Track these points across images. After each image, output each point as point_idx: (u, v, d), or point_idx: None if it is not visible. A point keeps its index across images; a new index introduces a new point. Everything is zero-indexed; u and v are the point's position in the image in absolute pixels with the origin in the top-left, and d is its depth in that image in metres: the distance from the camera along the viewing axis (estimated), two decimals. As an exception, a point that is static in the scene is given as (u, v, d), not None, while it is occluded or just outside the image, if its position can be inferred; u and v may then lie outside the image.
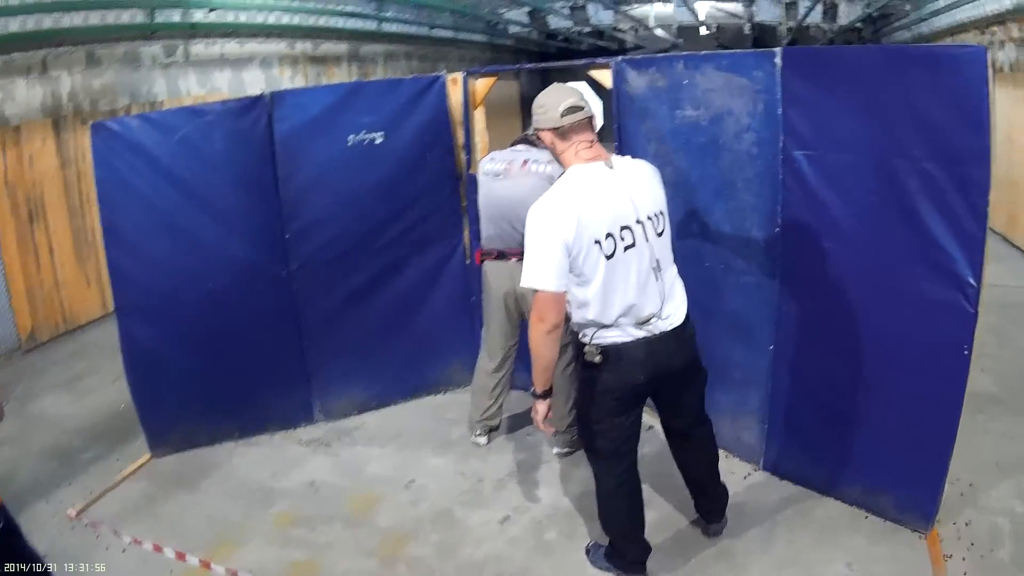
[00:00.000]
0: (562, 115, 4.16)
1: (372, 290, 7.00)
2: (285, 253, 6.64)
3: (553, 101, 4.21)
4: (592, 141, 4.23)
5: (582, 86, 6.92)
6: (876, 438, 5.14)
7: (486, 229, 6.14)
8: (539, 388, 4.32)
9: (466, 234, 7.18)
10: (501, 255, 6.05)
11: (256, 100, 6.44)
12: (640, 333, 4.22)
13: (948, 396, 4.72)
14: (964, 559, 4.87)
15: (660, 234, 4.28)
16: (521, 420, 6.91)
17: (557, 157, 4.34)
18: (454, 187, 7.09)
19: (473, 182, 6.79)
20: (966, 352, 4.58)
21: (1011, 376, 7.20)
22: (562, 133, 4.20)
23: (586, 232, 3.97)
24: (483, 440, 6.60)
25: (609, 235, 4.04)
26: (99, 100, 10.54)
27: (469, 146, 6.96)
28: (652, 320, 4.23)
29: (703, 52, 5.78)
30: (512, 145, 6.22)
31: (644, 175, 4.34)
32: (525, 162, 5.96)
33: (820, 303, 5.26)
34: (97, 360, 9.18)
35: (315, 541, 5.63)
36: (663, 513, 5.51)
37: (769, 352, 5.63)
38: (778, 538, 5.14)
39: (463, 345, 7.34)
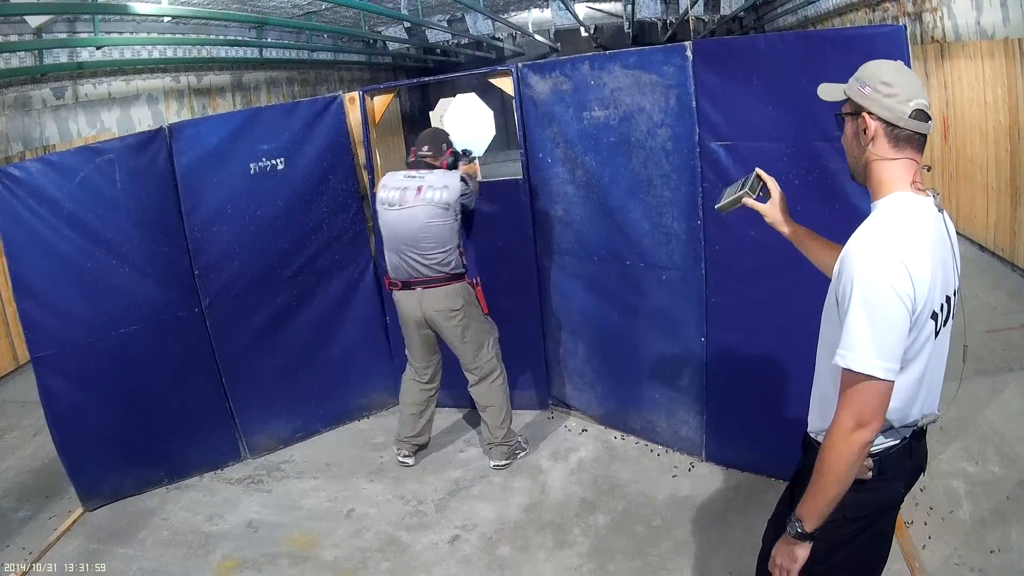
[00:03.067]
0: (912, 115, 2.73)
1: (286, 320, 6.77)
2: (195, 290, 6.37)
3: (907, 88, 2.76)
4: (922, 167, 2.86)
5: (470, 98, 6.78)
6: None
7: (388, 259, 5.96)
8: (811, 524, 2.81)
9: (374, 255, 6.97)
10: (407, 284, 5.88)
11: (155, 134, 6.17)
12: (906, 431, 2.93)
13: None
14: (926, 523, 4.87)
15: (954, 316, 2.93)
16: (450, 436, 6.77)
17: (862, 165, 2.89)
18: (358, 208, 6.88)
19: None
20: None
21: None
22: (897, 137, 2.77)
23: (931, 297, 2.69)
24: (410, 460, 6.39)
25: (943, 305, 2.79)
26: (-7, 148, 10.15)
27: (371, 165, 6.76)
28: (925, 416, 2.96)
29: (608, 52, 5.70)
30: (408, 167, 6.00)
31: (954, 231, 2.95)
32: (420, 189, 5.74)
33: (750, 291, 5.20)
34: (15, 416, 8.73)
35: (261, 584, 5.39)
36: (614, 516, 5.38)
37: (701, 344, 5.55)
38: (734, 526, 5.05)
39: (381, 368, 7.17)
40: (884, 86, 2.75)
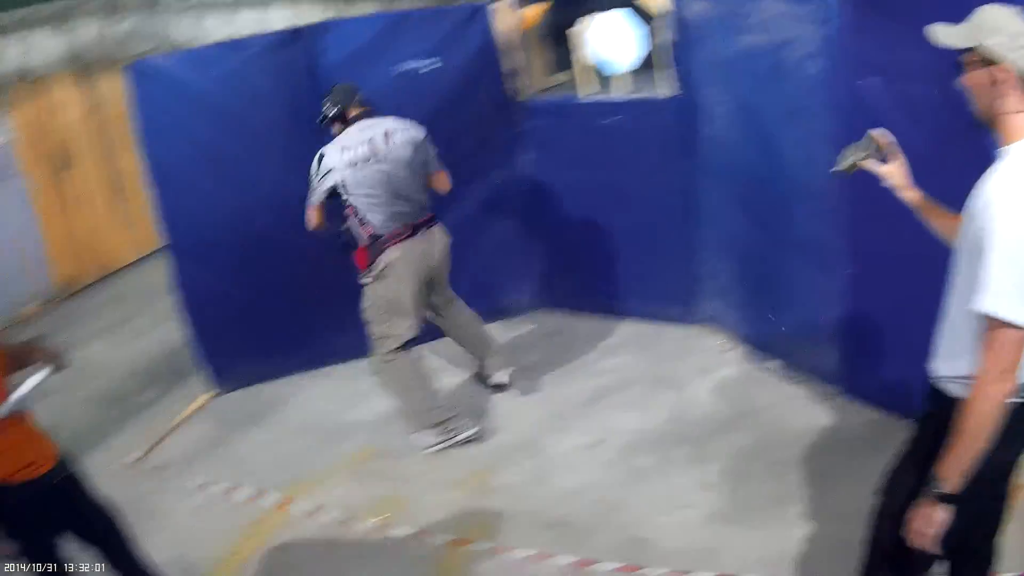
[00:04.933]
0: None
1: None
2: (337, 186, 6.41)
3: None
4: None
5: (616, 15, 6.69)
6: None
7: (377, 216, 5.52)
8: (953, 484, 2.70)
9: (525, 160, 6.93)
10: (416, 228, 5.63)
11: (299, 32, 6.29)
12: None
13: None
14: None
15: None
16: (594, 343, 6.72)
17: (991, 116, 2.76)
18: (510, 113, 6.83)
19: (525, 110, 6.71)
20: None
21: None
22: None
23: None
24: (474, 428, 5.79)
25: None
26: (122, 47, 10.25)
27: (523, 71, 6.74)
28: None
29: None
30: (353, 123, 5.61)
31: None
32: (386, 134, 5.52)
33: (898, 227, 5.10)
34: (140, 303, 8.98)
35: (398, 474, 5.49)
36: (750, 439, 5.35)
37: (844, 277, 5.46)
38: (864, 463, 4.82)
39: (525, 272, 7.22)
40: (1019, 36, 2.63)
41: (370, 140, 5.49)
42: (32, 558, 3.78)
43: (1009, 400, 2.64)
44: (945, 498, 2.70)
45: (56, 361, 3.81)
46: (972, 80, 2.76)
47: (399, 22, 6.57)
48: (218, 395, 6.68)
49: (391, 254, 5.55)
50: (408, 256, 5.59)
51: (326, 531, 5.06)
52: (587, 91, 6.67)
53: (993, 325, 2.53)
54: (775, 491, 4.85)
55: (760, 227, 5.97)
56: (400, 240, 5.57)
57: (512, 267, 7.17)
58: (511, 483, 5.21)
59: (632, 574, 4.29)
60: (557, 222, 6.98)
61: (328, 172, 5.47)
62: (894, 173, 3.28)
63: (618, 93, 6.56)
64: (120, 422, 6.68)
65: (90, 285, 10.00)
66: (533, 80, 6.83)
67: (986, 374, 2.56)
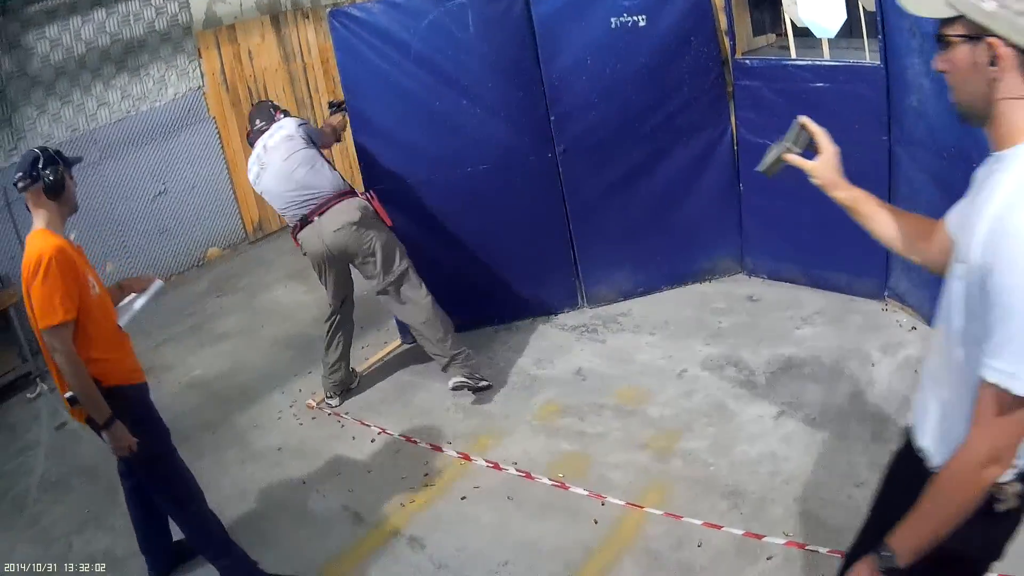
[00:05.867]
0: None
1: (637, 176, 6.85)
2: (550, 137, 6.57)
3: None
4: None
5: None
6: None
7: (285, 213, 6.13)
8: (905, 559, 2.27)
9: (733, 121, 6.89)
10: (305, 221, 5.98)
11: (509, -18, 6.37)
12: None
13: None
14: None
15: None
16: (788, 312, 6.66)
17: (983, 104, 2.18)
18: (719, 72, 6.79)
19: (739, 68, 6.68)
20: None
21: None
22: None
23: None
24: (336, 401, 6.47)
25: None
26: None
27: (732, 32, 6.68)
28: None
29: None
30: (253, 147, 6.24)
31: None
32: (265, 147, 6.01)
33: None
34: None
35: (584, 432, 5.59)
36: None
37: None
38: None
39: (729, 233, 7.21)
40: (1018, 1, 2.00)
41: (258, 156, 6.09)
42: (170, 457, 4.47)
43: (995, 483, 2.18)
44: (893, 572, 2.30)
45: (156, 282, 4.65)
46: (952, 60, 2.19)
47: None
48: (406, 345, 6.90)
49: (300, 240, 6.10)
50: (306, 244, 6.04)
51: (504, 485, 5.22)
52: (794, 53, 6.62)
53: (1004, 401, 2.03)
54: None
55: (954, 202, 5.84)
56: (299, 230, 6.04)
57: (712, 229, 7.17)
58: (694, 448, 5.27)
59: (798, 551, 4.31)
60: (757, 186, 6.93)
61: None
62: (821, 169, 2.82)
63: (824, 57, 6.52)
64: (303, 366, 6.97)
65: (281, 229, 10.31)
66: (739, 41, 6.79)
67: (976, 454, 2.10)
